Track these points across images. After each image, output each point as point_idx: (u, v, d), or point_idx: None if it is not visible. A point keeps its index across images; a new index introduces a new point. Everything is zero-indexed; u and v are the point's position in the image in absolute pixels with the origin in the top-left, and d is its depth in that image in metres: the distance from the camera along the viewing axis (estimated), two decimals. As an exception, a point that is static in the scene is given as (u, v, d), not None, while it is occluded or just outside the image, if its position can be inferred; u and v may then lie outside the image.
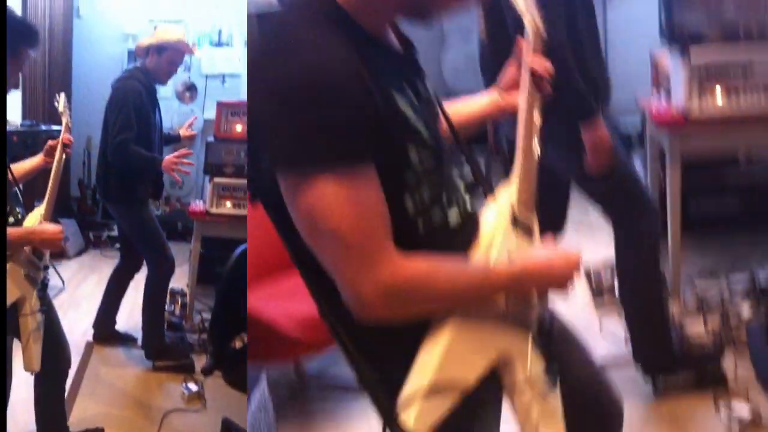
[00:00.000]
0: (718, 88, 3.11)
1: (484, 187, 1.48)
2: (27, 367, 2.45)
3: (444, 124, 1.48)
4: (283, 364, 3.07)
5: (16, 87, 2.35)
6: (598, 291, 3.66)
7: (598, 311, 3.56)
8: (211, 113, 5.03)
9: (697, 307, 3.45)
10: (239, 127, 4.37)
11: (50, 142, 2.75)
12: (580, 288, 3.65)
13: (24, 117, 5.52)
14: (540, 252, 1.37)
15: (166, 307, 4.21)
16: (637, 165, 4.12)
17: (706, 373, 2.87)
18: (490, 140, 5.29)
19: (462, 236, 1.34)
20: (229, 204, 4.33)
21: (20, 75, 2.40)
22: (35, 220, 2.47)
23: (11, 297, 2.32)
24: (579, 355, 1.71)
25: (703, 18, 3.04)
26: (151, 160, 3.71)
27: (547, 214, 1.51)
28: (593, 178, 2.58)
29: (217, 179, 4.36)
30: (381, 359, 1.31)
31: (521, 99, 1.47)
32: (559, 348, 1.50)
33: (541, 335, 1.37)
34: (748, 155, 4.16)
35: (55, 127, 5.18)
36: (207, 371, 3.00)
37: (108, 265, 4.55)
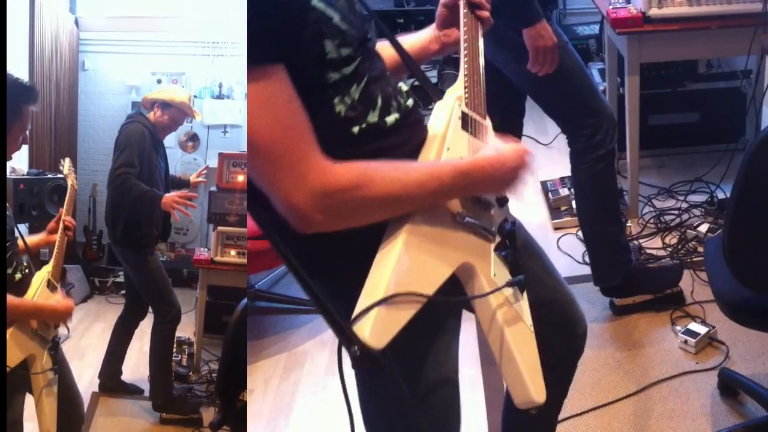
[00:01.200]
0: None
1: (427, 88, 1.45)
2: (41, 430, 2.35)
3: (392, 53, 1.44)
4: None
5: (25, 143, 2.34)
6: (555, 208, 3.66)
7: (556, 229, 3.60)
8: (212, 162, 5.03)
9: (656, 227, 3.50)
10: (241, 177, 4.38)
11: (51, 224, 2.68)
12: (538, 205, 3.69)
13: (30, 166, 5.52)
14: (488, 149, 1.31)
15: (173, 356, 4.19)
16: (596, 75, 4.11)
17: (664, 292, 2.94)
18: (409, 62, 5.20)
19: (403, 136, 1.30)
20: (233, 252, 4.31)
21: (27, 133, 2.38)
22: (41, 280, 2.39)
23: (18, 357, 2.23)
24: (544, 270, 1.68)
25: None
26: (152, 194, 3.68)
27: (501, 123, 1.48)
28: (543, 87, 2.56)
29: (220, 228, 4.37)
30: (331, 273, 1.28)
31: (461, 30, 1.46)
32: (527, 262, 1.50)
33: (505, 243, 1.33)
34: (707, 62, 4.12)
35: (60, 176, 5.23)
36: (215, 426, 2.99)
37: (113, 311, 4.55)
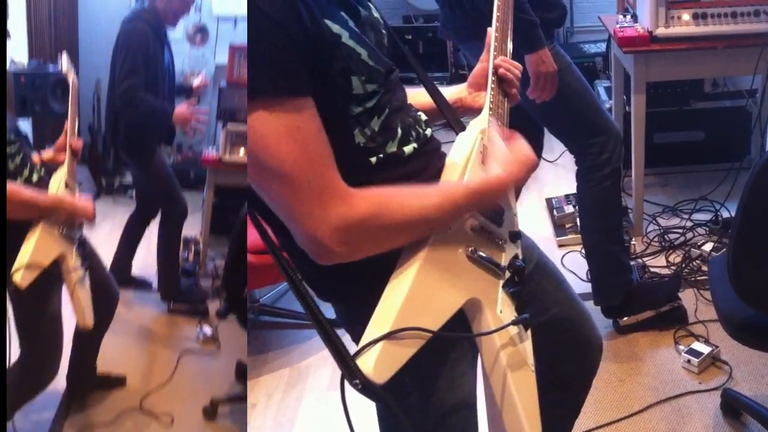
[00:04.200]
0: (685, 8, 3.09)
1: (449, 120, 1.47)
2: (79, 323, 2.46)
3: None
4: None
5: None
6: (560, 225, 3.67)
7: (560, 246, 3.59)
8: (223, 57, 4.81)
9: (660, 246, 3.49)
10: (253, 71, 4.32)
11: (60, 140, 2.68)
12: (543, 221, 3.71)
13: (30, 56, 5.28)
14: (496, 168, 1.33)
15: (180, 253, 4.29)
16: (602, 93, 4.12)
17: (666, 311, 2.93)
18: (450, 63, 5.21)
19: (420, 165, 1.31)
20: (242, 151, 4.26)
21: None
22: (59, 181, 2.45)
23: (50, 256, 2.31)
24: (558, 289, 1.68)
25: None
26: (162, 111, 3.63)
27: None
28: (549, 107, 2.57)
29: (230, 126, 4.28)
30: (339, 302, 1.28)
31: (486, 101, 1.47)
32: (539, 282, 1.51)
33: (513, 280, 1.33)
34: (713, 81, 4.12)
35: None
36: (222, 314, 3.07)
37: (121, 212, 4.54)
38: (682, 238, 3.53)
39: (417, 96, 1.49)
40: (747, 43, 3.09)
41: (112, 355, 3.40)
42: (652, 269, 3.33)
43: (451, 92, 1.61)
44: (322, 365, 2.82)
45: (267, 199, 1.17)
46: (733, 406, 2.56)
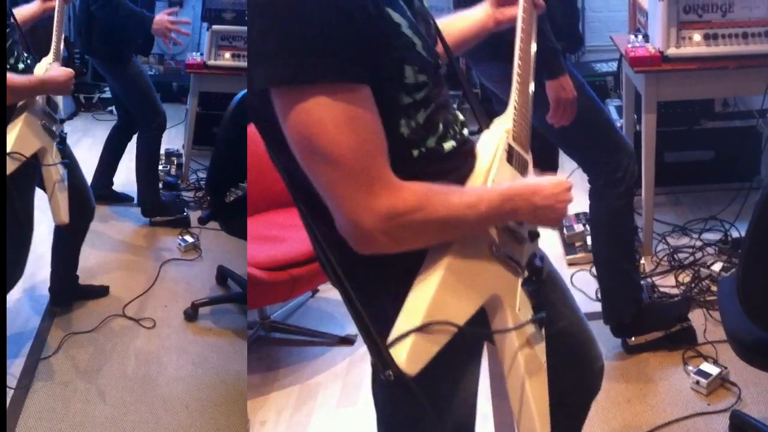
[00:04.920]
0: (696, 28, 3.09)
1: (479, 118, 1.47)
2: (56, 219, 2.52)
3: (440, 47, 1.45)
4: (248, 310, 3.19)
5: None
6: (570, 244, 3.67)
7: (570, 265, 3.54)
8: None
9: (669, 265, 3.46)
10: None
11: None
12: (552, 240, 3.69)
13: None
14: (531, 177, 1.37)
15: (161, 167, 4.28)
16: (613, 112, 4.12)
17: (676, 332, 2.91)
18: (462, 79, 5.23)
19: (457, 164, 1.31)
20: (228, 55, 4.14)
21: None
22: (44, 69, 2.47)
23: (32, 148, 2.36)
24: (564, 304, 1.67)
25: None
26: (141, 18, 3.50)
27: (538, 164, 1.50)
28: (562, 127, 2.57)
29: (215, 27, 4.14)
30: (374, 293, 1.26)
31: (519, 15, 1.47)
32: (548, 294, 1.50)
33: (531, 279, 1.35)
34: (724, 101, 4.09)
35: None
36: (204, 221, 3.08)
37: (100, 128, 4.49)
38: (691, 258, 3.51)
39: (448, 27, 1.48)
40: (757, 64, 3.10)
41: (94, 268, 3.46)
42: (662, 289, 3.30)
43: (474, 17, 1.61)
44: (332, 383, 2.81)
45: (314, 180, 1.16)
46: (741, 428, 2.52)
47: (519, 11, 1.49)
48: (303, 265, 2.67)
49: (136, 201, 4.17)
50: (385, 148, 1.15)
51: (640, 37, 3.23)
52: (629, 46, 3.18)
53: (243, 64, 4.14)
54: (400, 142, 1.21)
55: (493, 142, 1.37)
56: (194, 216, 3.99)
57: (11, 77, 2.28)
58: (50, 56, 2.52)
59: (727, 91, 3.69)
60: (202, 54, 4.28)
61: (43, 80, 2.41)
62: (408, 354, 1.13)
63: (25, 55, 2.48)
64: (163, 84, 4.78)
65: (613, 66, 4.72)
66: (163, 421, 2.57)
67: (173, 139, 4.46)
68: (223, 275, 3.49)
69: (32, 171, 2.43)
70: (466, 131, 1.38)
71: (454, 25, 1.59)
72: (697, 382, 2.69)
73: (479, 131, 1.44)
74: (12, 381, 2.68)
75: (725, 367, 2.73)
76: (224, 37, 4.19)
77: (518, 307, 1.31)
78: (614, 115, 4.09)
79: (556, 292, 1.64)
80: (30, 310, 3.15)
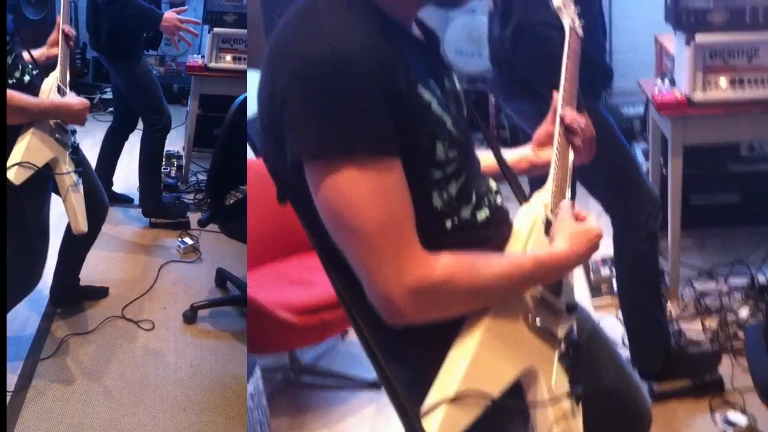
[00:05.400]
0: (722, 73, 3.10)
1: (516, 191, 1.49)
2: (74, 228, 2.52)
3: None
4: (278, 353, 3.13)
5: None
6: (596, 288, 3.62)
7: (596, 309, 3.49)
8: None
9: (696, 310, 3.41)
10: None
11: (53, 36, 2.71)
12: (579, 284, 3.61)
13: None
14: (563, 239, 1.33)
15: (162, 168, 4.29)
16: (639, 155, 4.10)
17: (703, 379, 2.87)
18: (491, 125, 5.23)
19: (490, 233, 1.32)
20: (229, 58, 4.18)
21: None
22: (51, 85, 2.46)
23: (44, 158, 2.36)
24: (610, 358, 1.67)
25: (709, 2, 3.02)
26: (150, 15, 3.50)
27: None
28: (588, 168, 2.59)
29: (216, 30, 4.18)
30: (407, 361, 1.28)
31: (553, 152, 1.50)
32: (591, 351, 1.50)
33: (568, 353, 1.34)
34: (750, 145, 4.06)
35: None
36: (204, 223, 3.09)
37: (101, 128, 4.46)
38: (717, 303, 3.42)
39: (482, 159, 1.48)
40: (783, 108, 3.16)
41: (94, 269, 3.45)
42: (689, 334, 3.21)
43: (515, 153, 1.64)
44: (359, 427, 2.81)
45: (344, 251, 1.17)
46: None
47: (555, 135, 1.52)
48: (334, 309, 2.65)
49: (136, 202, 4.18)
50: (413, 221, 1.16)
51: (666, 81, 3.24)
52: (656, 90, 3.20)
53: (243, 66, 4.17)
54: (433, 214, 1.23)
55: (531, 214, 1.38)
56: (194, 218, 4.00)
57: (24, 98, 2.28)
58: (57, 71, 2.52)
59: (754, 135, 3.70)
60: (203, 56, 4.32)
61: (57, 106, 2.40)
62: (440, 425, 1.14)
63: (30, 67, 2.48)
64: (163, 85, 4.69)
65: (639, 109, 4.72)
66: (161, 423, 2.58)
67: (174, 140, 4.46)
68: (222, 278, 3.51)
69: (45, 180, 2.44)
70: (499, 199, 1.39)
71: (490, 158, 1.59)
72: (726, 431, 2.66)
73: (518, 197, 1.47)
74: (11, 382, 2.69)
75: (753, 416, 2.68)
76: (225, 39, 4.23)
77: (554, 381, 1.31)
78: (640, 158, 4.09)
79: (602, 348, 1.64)
80: (30, 310, 3.15)
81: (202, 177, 4.59)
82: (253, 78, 3.38)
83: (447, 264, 1.16)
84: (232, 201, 3.05)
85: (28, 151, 2.31)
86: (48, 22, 4.90)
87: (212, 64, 4.21)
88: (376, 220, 1.11)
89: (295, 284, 2.85)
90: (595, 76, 2.58)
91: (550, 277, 1.31)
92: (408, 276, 1.13)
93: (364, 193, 1.11)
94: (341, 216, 1.12)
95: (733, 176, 4.03)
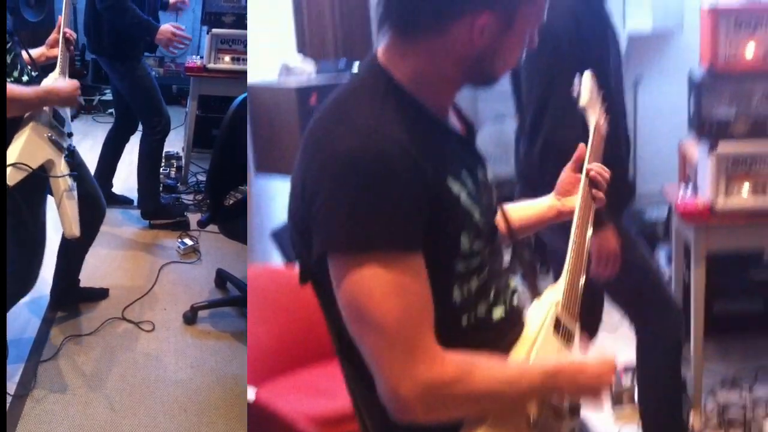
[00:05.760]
0: (745, 182, 3.08)
1: (531, 288, 1.47)
2: (66, 232, 2.50)
3: (501, 220, 1.46)
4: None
5: None
6: (617, 398, 3.52)
7: (618, 420, 3.37)
8: None
9: (719, 421, 3.30)
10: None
11: (52, 36, 2.71)
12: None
13: None
14: (575, 355, 1.37)
15: (161, 170, 4.30)
16: (662, 260, 4.11)
17: None
18: (518, 256, 5.23)
19: (504, 332, 1.32)
20: (227, 59, 4.19)
21: None
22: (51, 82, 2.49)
23: (39, 159, 2.36)
24: None
25: (732, 111, 3.01)
26: (147, 26, 3.58)
27: (582, 317, 1.50)
28: (612, 282, 2.55)
29: (215, 30, 4.19)
30: None
31: (577, 205, 1.54)
32: None
33: None
34: None
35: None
36: (203, 224, 3.10)
37: (100, 129, 4.50)
38: (741, 412, 3.37)
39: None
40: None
41: (94, 271, 3.45)
42: None
43: (540, 202, 1.66)
44: None
45: (358, 343, 1.17)
46: None
47: (577, 201, 1.56)
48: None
49: (135, 203, 4.18)
50: (431, 317, 1.16)
51: (689, 189, 3.24)
52: (679, 197, 3.19)
53: (242, 67, 4.17)
54: (451, 308, 1.23)
55: (542, 312, 1.37)
56: (193, 219, 4.00)
57: (17, 89, 2.29)
58: (56, 71, 2.53)
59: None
60: (201, 57, 4.33)
61: (49, 90, 2.42)
62: None
63: (29, 68, 2.49)
64: (162, 86, 4.73)
65: (663, 213, 4.67)
66: (161, 425, 2.58)
67: (173, 141, 4.45)
68: (222, 278, 3.51)
69: (41, 182, 2.43)
70: (516, 300, 1.38)
71: (517, 212, 1.61)
72: None
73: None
74: (11, 384, 2.69)
75: None
76: (224, 40, 4.23)
77: None
78: (663, 263, 4.08)
79: None
80: (29, 312, 3.16)
81: (202, 178, 4.59)
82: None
83: (460, 364, 1.16)
84: (231, 202, 3.06)
85: (24, 151, 2.31)
86: (47, 24, 4.91)
87: (211, 65, 4.22)
88: (392, 315, 1.11)
89: (317, 395, 2.73)
90: (619, 194, 2.58)
91: (557, 390, 1.28)
92: (420, 372, 1.12)
93: (384, 289, 1.11)
94: (360, 309, 1.13)
95: (756, 283, 4.01)
